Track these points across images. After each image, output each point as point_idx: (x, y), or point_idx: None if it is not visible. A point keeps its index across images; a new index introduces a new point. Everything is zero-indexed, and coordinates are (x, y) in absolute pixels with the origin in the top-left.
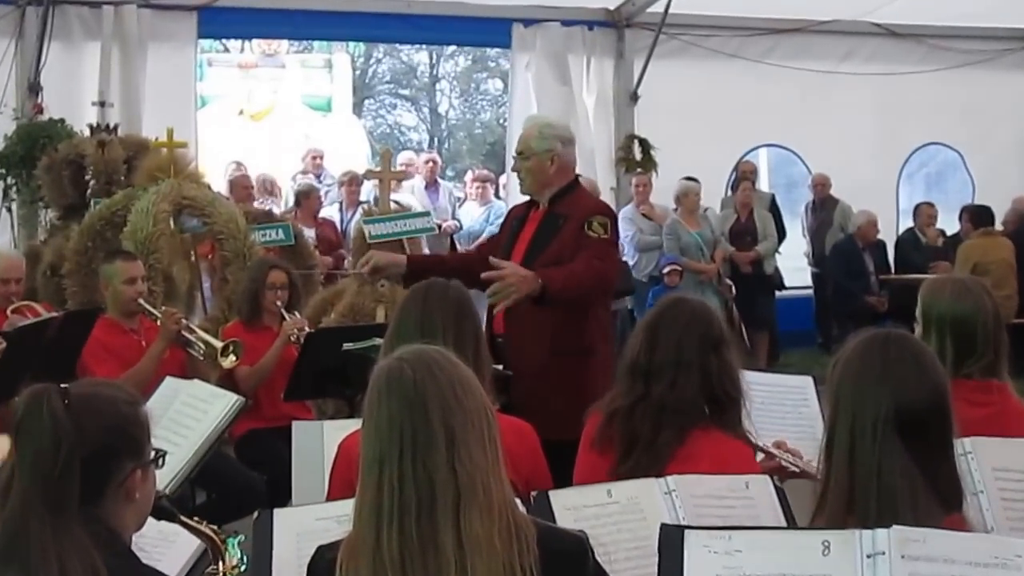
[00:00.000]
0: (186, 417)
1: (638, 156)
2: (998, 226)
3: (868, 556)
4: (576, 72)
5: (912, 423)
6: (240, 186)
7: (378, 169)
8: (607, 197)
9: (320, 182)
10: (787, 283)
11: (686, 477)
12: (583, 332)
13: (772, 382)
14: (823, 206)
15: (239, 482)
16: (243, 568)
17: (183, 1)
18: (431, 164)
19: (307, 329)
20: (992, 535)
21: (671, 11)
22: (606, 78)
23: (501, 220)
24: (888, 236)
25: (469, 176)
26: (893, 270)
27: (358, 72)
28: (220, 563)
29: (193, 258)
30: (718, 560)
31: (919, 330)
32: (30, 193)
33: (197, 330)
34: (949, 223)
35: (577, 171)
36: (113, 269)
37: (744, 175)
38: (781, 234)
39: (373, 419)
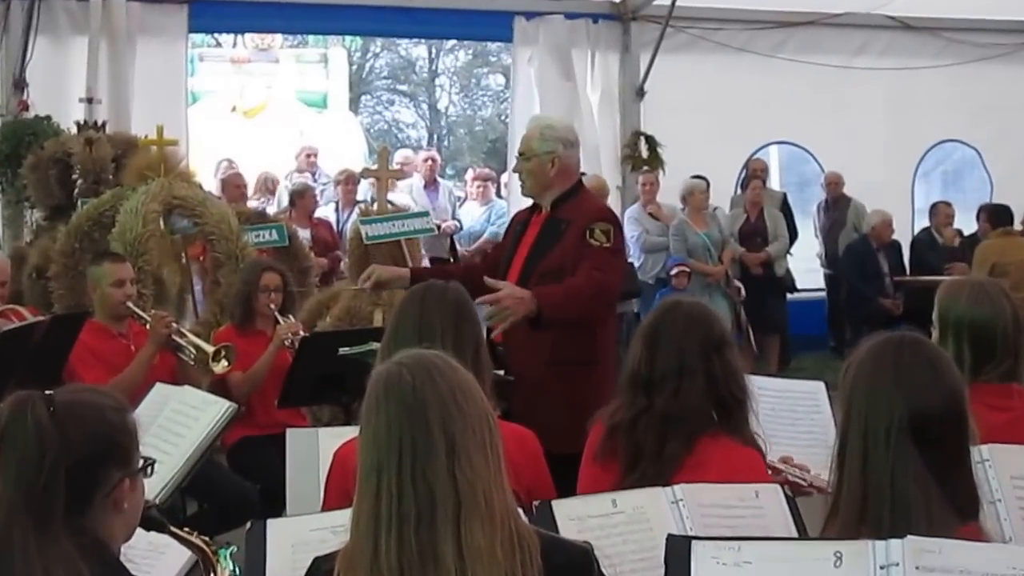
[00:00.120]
0: (176, 424)
1: (644, 154)
2: (1017, 226)
3: (881, 567)
4: (580, 67)
5: (927, 429)
6: (232, 185)
7: (375, 168)
8: (613, 196)
9: (315, 181)
10: (799, 285)
11: (693, 486)
12: (586, 342)
13: (783, 388)
14: (836, 205)
15: (231, 491)
16: None
17: None
18: (430, 162)
19: (302, 333)
20: (1010, 545)
21: (678, 3)
22: (611, 73)
23: (502, 220)
24: (903, 236)
25: (469, 175)
26: (908, 271)
27: (354, 67)
28: (212, 575)
29: (184, 260)
30: (726, 572)
31: (936, 334)
32: (15, 193)
33: (188, 334)
34: (966, 223)
35: (582, 169)
36: (101, 271)
37: (754, 173)
38: (792, 234)
39: (371, 426)
